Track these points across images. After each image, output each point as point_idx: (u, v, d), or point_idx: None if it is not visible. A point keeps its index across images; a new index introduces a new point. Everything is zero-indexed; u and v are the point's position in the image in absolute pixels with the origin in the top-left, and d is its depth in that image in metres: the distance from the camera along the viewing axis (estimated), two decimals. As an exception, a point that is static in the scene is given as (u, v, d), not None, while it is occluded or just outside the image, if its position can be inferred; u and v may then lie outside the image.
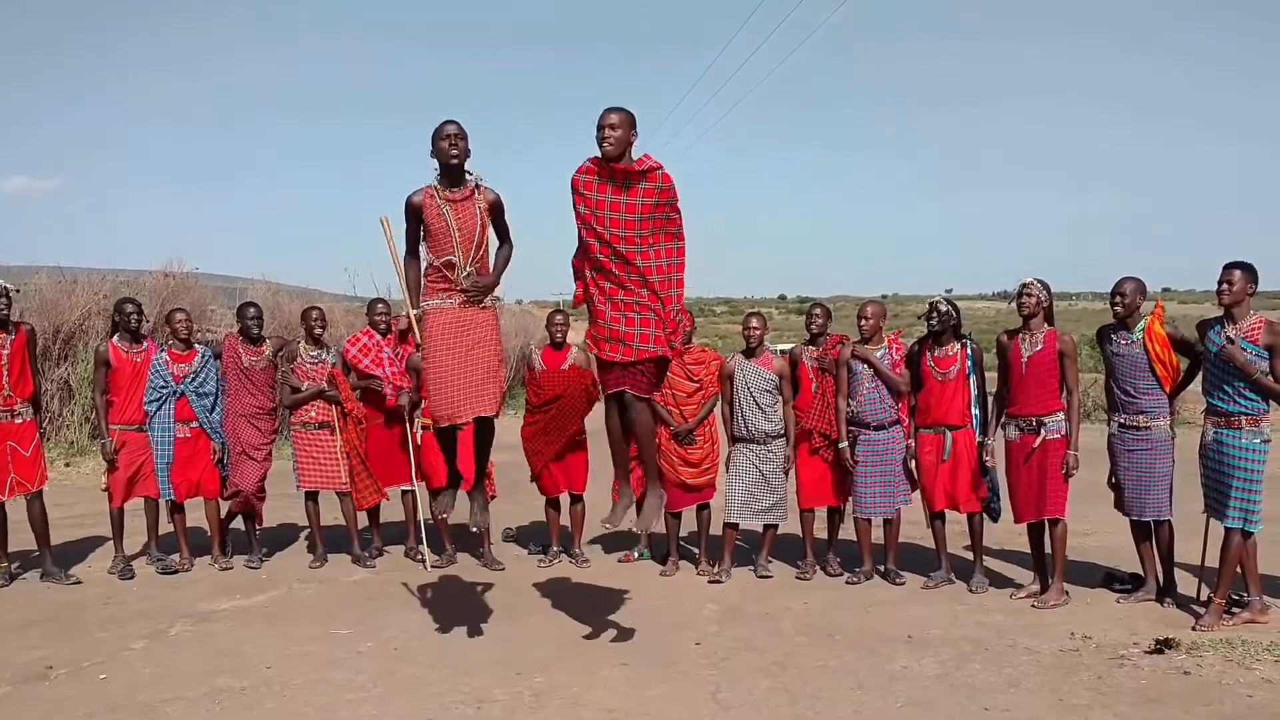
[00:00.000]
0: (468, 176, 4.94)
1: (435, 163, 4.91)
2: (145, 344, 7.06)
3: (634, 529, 5.00)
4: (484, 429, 5.16)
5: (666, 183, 4.64)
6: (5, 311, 6.48)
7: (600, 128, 4.60)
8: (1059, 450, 5.99)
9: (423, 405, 6.84)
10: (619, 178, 4.63)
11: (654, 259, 4.70)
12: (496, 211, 5.02)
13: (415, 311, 5.07)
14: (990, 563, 6.77)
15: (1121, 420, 6.02)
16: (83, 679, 4.86)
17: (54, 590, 6.53)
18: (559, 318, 7.20)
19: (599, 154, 4.65)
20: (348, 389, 7.13)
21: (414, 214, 4.93)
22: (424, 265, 5.00)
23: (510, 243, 5.18)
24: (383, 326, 7.24)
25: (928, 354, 6.47)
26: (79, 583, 6.69)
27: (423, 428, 7.12)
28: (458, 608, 6.00)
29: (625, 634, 5.46)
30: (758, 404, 6.69)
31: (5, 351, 6.46)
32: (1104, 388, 6.39)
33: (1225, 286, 5.47)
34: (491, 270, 5.03)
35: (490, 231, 5.03)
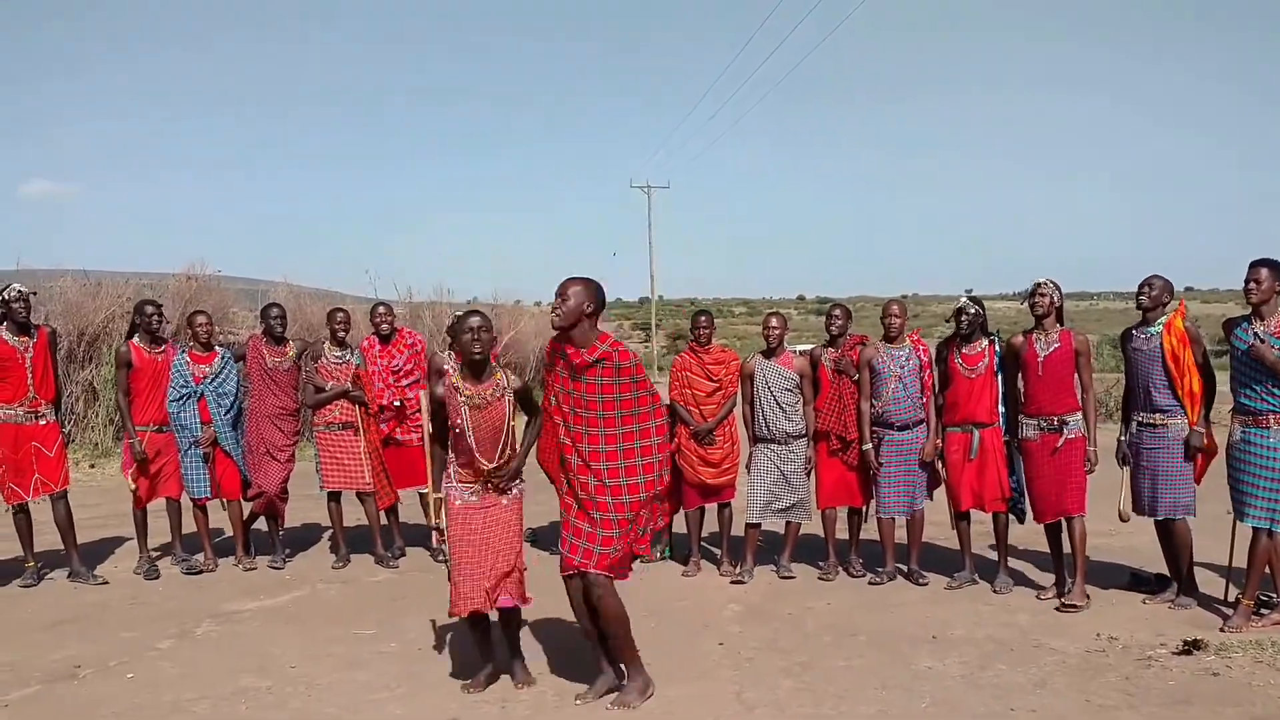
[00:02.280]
0: (490, 368, 4.65)
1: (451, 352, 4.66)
2: (164, 345, 7.11)
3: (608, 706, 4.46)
4: (511, 619, 4.85)
5: (623, 360, 4.27)
6: (25, 315, 6.54)
7: (556, 296, 4.29)
8: (1079, 449, 5.98)
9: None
10: (569, 362, 4.31)
11: (610, 444, 4.29)
12: (521, 399, 4.74)
13: (438, 495, 4.85)
14: (1014, 563, 6.73)
15: (1140, 419, 5.98)
16: (110, 678, 4.90)
17: (81, 590, 6.59)
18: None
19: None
20: (372, 389, 7.17)
21: (438, 405, 4.66)
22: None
23: (537, 414, 4.84)
24: (385, 329, 7.33)
25: (956, 351, 6.44)
26: (105, 583, 6.75)
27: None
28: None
29: (648, 634, 5.45)
30: (779, 404, 6.67)
31: (28, 354, 6.53)
32: (1123, 390, 6.34)
33: (1253, 285, 5.42)
34: (518, 452, 4.76)
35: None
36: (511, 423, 4.65)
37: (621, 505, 4.31)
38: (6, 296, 6.47)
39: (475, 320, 4.54)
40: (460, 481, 4.65)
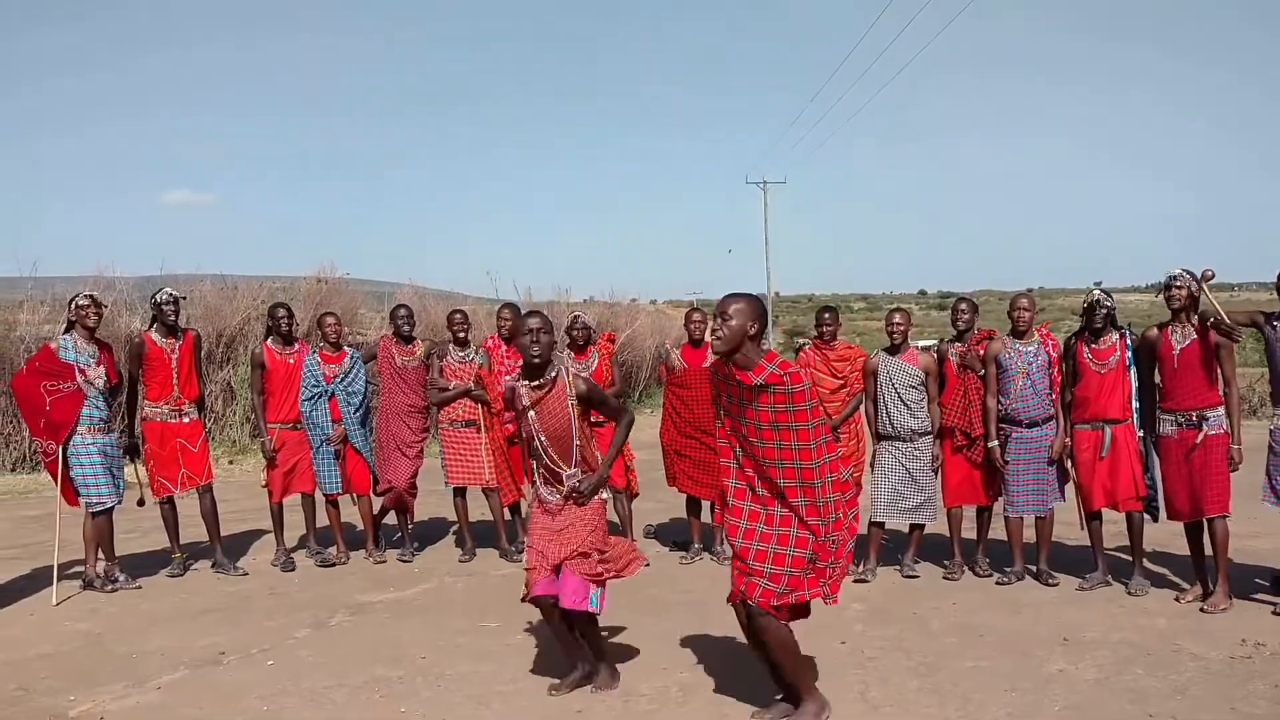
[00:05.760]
0: (550, 372, 4.48)
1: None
2: (297, 346, 7.38)
3: None
4: (582, 624, 4.62)
5: (795, 384, 3.96)
6: (174, 318, 6.88)
7: (717, 315, 4.06)
8: (1220, 446, 5.72)
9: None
10: (736, 384, 4.04)
11: (784, 465, 4.06)
12: (587, 404, 4.53)
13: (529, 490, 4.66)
14: (1151, 564, 6.48)
15: None
16: (253, 664, 5.12)
17: (224, 581, 6.89)
18: (697, 315, 7.22)
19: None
20: (495, 389, 7.30)
21: (509, 402, 4.62)
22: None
23: (621, 418, 4.75)
24: (507, 331, 7.41)
25: (1085, 346, 6.23)
26: (246, 574, 7.05)
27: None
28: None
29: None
30: (903, 401, 6.57)
31: (175, 355, 6.87)
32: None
33: None
34: (600, 462, 4.60)
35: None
36: (579, 425, 4.49)
37: (817, 490, 4.08)
38: (158, 300, 6.86)
39: (535, 322, 4.43)
40: (544, 482, 4.59)
